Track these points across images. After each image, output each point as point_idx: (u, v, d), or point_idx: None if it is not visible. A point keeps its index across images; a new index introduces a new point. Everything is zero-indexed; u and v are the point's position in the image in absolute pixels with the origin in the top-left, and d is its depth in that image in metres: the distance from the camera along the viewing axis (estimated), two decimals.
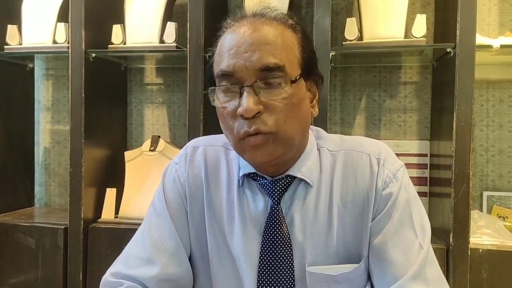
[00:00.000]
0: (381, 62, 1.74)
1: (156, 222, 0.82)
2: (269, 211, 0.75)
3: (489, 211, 1.64)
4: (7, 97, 1.88)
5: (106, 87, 1.81)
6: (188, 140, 1.59)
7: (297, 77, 0.69)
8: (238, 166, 0.79)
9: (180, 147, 1.81)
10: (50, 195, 2.06)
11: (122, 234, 1.60)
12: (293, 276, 0.72)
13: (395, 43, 1.48)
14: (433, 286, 0.68)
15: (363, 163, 0.75)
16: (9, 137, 1.88)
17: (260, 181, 0.76)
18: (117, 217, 1.70)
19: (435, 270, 0.70)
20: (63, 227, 1.63)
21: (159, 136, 1.80)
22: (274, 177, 0.75)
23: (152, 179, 1.73)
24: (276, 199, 0.74)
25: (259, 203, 0.76)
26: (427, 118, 1.72)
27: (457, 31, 1.38)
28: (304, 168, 0.75)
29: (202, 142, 0.86)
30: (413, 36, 1.47)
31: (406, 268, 0.68)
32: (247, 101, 0.67)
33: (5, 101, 1.86)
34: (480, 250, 1.39)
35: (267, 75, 0.68)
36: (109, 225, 1.65)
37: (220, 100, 0.71)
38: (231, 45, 0.70)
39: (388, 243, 0.70)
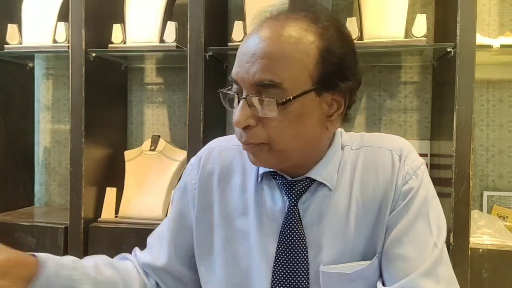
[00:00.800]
0: (381, 62, 1.74)
1: (167, 217, 0.89)
2: (286, 210, 0.74)
3: (489, 211, 1.64)
4: (7, 97, 1.88)
5: (106, 87, 1.81)
6: (189, 140, 1.61)
7: (301, 93, 0.66)
8: None
9: (181, 147, 1.82)
10: (50, 195, 2.06)
11: (122, 234, 1.60)
12: (308, 276, 0.72)
13: (395, 42, 1.49)
14: (444, 285, 0.67)
15: (384, 159, 0.74)
16: (9, 136, 1.88)
17: (279, 180, 0.76)
18: (117, 216, 1.70)
19: (447, 270, 0.69)
20: (63, 226, 1.63)
21: (159, 136, 1.80)
22: (294, 178, 0.75)
23: (152, 178, 1.73)
24: (294, 199, 0.74)
25: (277, 201, 0.76)
26: (428, 118, 1.72)
27: (457, 31, 1.38)
28: (324, 172, 0.74)
29: (217, 144, 0.86)
30: (413, 36, 1.47)
31: (418, 264, 0.67)
32: (238, 114, 0.67)
33: (5, 100, 1.86)
34: (481, 250, 1.39)
35: (262, 90, 0.66)
36: (109, 225, 1.65)
37: (234, 102, 0.72)
38: (241, 52, 0.69)
39: (403, 238, 0.70)
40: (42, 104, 2.06)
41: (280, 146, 0.68)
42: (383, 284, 0.70)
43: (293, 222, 0.73)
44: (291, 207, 0.74)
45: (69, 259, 0.75)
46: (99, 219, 1.69)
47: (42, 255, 0.71)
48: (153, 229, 0.91)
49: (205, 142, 0.92)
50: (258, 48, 0.66)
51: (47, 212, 1.93)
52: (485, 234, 1.46)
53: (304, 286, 0.72)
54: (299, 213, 0.74)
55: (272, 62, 0.65)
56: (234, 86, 0.71)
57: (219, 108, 1.83)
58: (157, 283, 0.85)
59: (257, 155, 0.70)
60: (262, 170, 0.77)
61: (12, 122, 1.90)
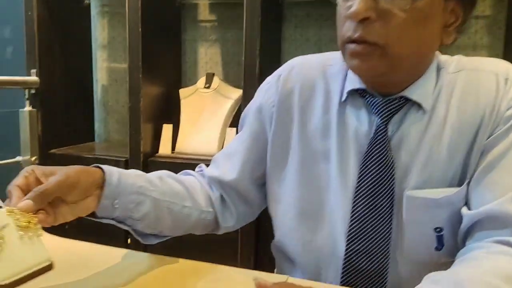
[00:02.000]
0: None
1: (238, 134, 0.87)
2: (374, 131, 0.71)
3: None
4: (66, 35, 1.91)
5: (161, 24, 1.80)
6: (244, 78, 1.59)
7: None
8: (341, 82, 0.76)
9: (234, 86, 1.81)
10: (109, 131, 2.14)
11: (179, 168, 1.63)
12: (392, 200, 0.70)
13: None
14: None
15: (488, 82, 0.69)
16: (68, 74, 1.94)
17: (369, 99, 0.72)
18: (173, 152, 1.75)
19: None
20: (124, 159, 1.70)
21: (213, 74, 1.79)
22: (385, 97, 0.72)
23: (206, 116, 1.75)
24: (385, 119, 0.71)
25: (363, 123, 0.73)
26: (499, 56, 1.60)
27: None
28: (420, 91, 0.70)
29: (298, 62, 0.83)
30: None
31: (509, 190, 0.64)
32: (358, 2, 0.62)
33: (63, 38, 1.90)
34: None
35: None
36: (166, 159, 1.70)
37: None
38: None
39: (496, 163, 0.66)
40: (98, 42, 2.09)
41: (396, 49, 0.64)
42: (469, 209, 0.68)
43: (380, 144, 0.70)
44: (381, 128, 0.71)
45: (131, 170, 0.75)
46: (156, 154, 1.74)
47: (103, 165, 0.69)
48: (208, 165, 0.90)
49: (261, 80, 0.89)
50: None
51: (107, 147, 2.02)
52: None
53: (387, 210, 0.70)
54: (388, 135, 0.71)
55: None
56: None
57: (275, 44, 1.79)
58: (221, 197, 0.84)
59: (365, 59, 0.66)
60: (348, 88, 0.74)
61: (71, 60, 1.95)
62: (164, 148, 1.75)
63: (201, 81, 1.80)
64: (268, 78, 0.85)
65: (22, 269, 0.55)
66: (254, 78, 1.54)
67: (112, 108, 2.11)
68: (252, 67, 1.54)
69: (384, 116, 0.71)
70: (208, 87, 1.77)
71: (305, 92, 0.79)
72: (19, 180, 0.61)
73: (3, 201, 0.61)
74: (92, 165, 0.68)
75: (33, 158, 1.71)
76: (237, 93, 1.73)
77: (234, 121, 1.73)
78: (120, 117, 2.09)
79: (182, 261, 0.75)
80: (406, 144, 0.71)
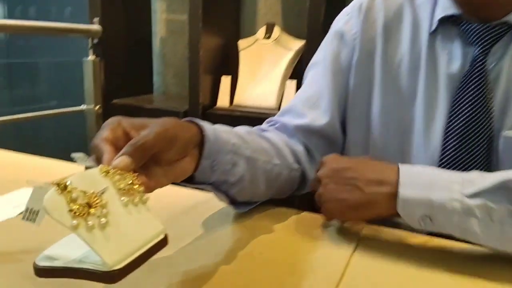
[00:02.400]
0: None
1: (313, 77, 0.79)
2: (470, 64, 0.65)
3: None
4: None
5: None
6: (308, 29, 1.52)
7: None
8: (431, 10, 0.69)
9: (295, 36, 1.74)
10: (167, 84, 2.14)
11: (237, 121, 1.63)
12: (488, 142, 0.63)
13: None
14: None
15: None
16: (129, 26, 1.94)
17: (466, 26, 0.65)
18: (232, 104, 1.73)
19: None
20: (183, 110, 1.70)
21: (274, 24, 1.73)
22: (484, 23, 0.64)
23: (266, 67, 1.70)
24: (485, 49, 0.64)
25: (455, 55, 0.66)
26: None
27: None
28: None
29: None
30: None
31: None
32: None
33: None
34: None
35: None
36: (224, 112, 1.68)
37: None
38: None
39: None
40: None
41: None
42: None
43: (477, 78, 0.63)
44: (479, 59, 0.64)
45: (217, 125, 0.60)
46: (215, 107, 1.73)
47: (195, 118, 0.55)
48: (266, 118, 0.82)
49: (325, 29, 0.83)
50: None
51: (166, 99, 2.03)
52: None
53: (482, 153, 0.64)
54: (486, 67, 0.64)
55: None
56: None
57: None
58: (307, 149, 0.76)
59: None
60: (439, 15, 0.67)
61: (130, 12, 1.94)
62: (223, 100, 1.73)
63: (261, 31, 1.74)
64: (346, 9, 0.78)
65: (136, 247, 0.39)
66: (318, 28, 1.46)
67: (170, 61, 2.11)
68: (317, 16, 1.46)
69: (484, 45, 0.63)
70: (268, 38, 1.71)
71: (390, 21, 0.72)
72: (106, 132, 0.46)
73: (87, 158, 0.46)
74: (183, 119, 0.53)
75: (97, 107, 1.75)
76: (298, 44, 1.66)
77: (294, 73, 1.67)
78: (178, 70, 2.09)
79: (305, 214, 0.66)
80: (507, 78, 0.63)
